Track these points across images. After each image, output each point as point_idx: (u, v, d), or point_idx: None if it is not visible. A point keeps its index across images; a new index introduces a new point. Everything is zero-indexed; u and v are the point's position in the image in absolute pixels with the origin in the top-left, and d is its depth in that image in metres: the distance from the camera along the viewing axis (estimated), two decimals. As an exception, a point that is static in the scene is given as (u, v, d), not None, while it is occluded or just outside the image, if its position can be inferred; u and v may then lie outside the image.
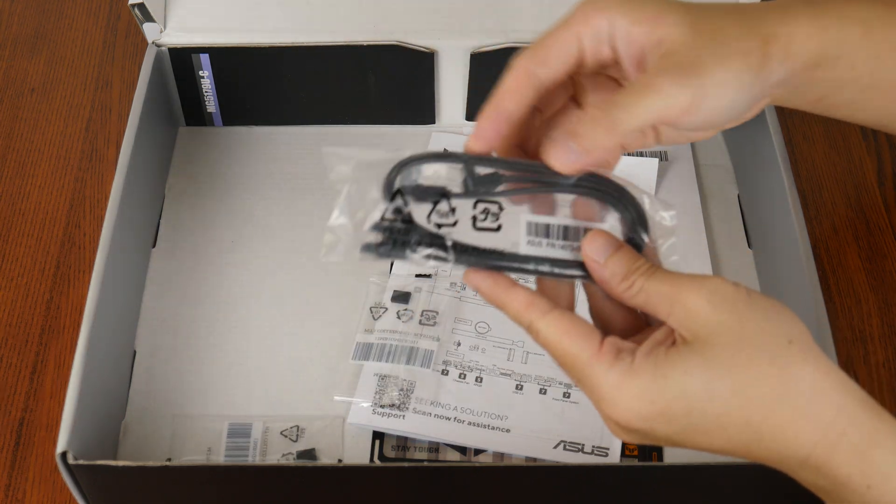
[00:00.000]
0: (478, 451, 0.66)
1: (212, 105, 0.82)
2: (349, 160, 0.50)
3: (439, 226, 0.50)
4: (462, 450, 0.67)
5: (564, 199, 0.52)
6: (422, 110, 0.83)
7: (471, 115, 0.83)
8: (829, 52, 0.54)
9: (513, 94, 0.50)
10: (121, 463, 0.58)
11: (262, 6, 0.79)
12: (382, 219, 0.50)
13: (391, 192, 0.50)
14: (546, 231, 0.51)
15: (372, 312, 0.72)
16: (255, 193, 0.80)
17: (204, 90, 0.81)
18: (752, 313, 0.47)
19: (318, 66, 0.80)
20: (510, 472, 0.61)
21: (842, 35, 0.55)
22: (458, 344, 0.71)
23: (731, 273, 0.75)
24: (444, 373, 0.70)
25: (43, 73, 0.89)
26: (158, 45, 0.78)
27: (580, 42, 0.51)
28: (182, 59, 0.79)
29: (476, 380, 0.69)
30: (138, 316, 0.72)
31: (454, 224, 0.50)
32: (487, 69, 0.79)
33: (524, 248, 0.50)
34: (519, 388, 0.69)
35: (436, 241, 0.49)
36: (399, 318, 0.72)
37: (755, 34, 0.52)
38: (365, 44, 0.78)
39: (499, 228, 0.51)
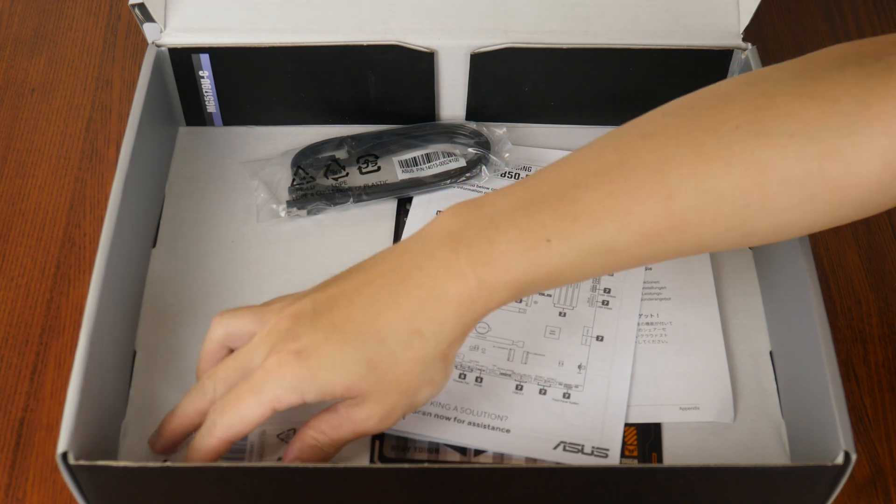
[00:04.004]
0: (478, 452, 0.66)
1: (212, 105, 0.82)
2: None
3: (336, 179, 0.77)
4: (462, 450, 0.67)
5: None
6: (422, 110, 0.83)
7: (471, 115, 0.83)
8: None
9: None
10: (121, 463, 0.58)
11: (262, 6, 0.79)
12: (293, 184, 0.77)
13: (295, 167, 0.78)
14: (414, 161, 0.79)
15: (372, 312, 0.72)
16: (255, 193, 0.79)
17: (204, 90, 0.81)
18: None
19: (318, 66, 0.80)
20: (510, 472, 0.61)
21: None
22: (458, 344, 0.71)
23: (732, 273, 0.75)
24: (444, 373, 0.69)
25: (43, 73, 0.89)
26: (158, 45, 0.78)
27: None
28: (182, 59, 0.79)
29: (476, 380, 0.69)
30: (138, 316, 0.72)
31: (346, 175, 0.78)
32: (487, 69, 0.79)
33: (401, 176, 0.78)
34: (519, 388, 0.69)
35: (338, 189, 0.77)
36: (399, 318, 0.72)
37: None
38: (365, 44, 0.78)
39: (378, 169, 0.78)
